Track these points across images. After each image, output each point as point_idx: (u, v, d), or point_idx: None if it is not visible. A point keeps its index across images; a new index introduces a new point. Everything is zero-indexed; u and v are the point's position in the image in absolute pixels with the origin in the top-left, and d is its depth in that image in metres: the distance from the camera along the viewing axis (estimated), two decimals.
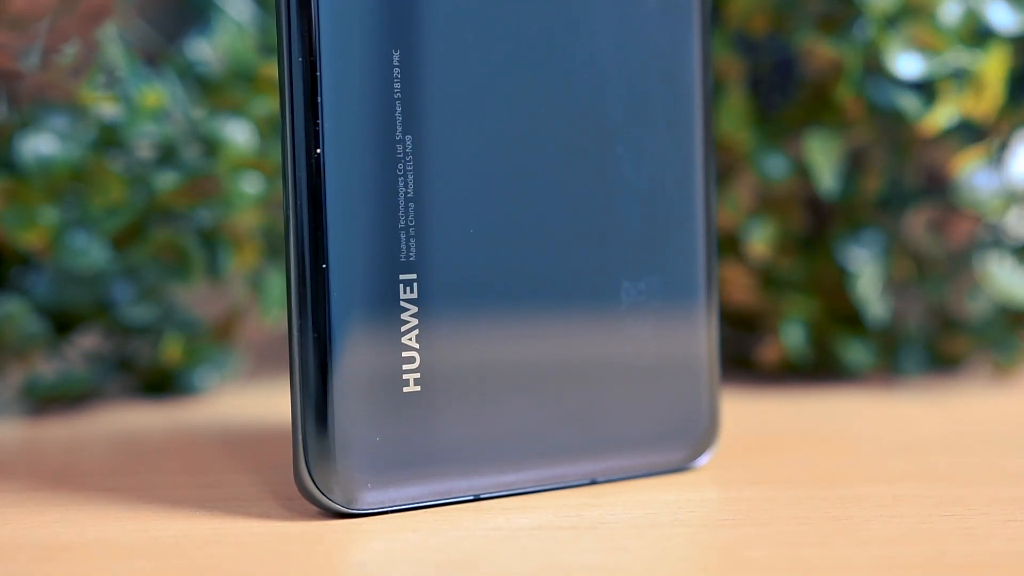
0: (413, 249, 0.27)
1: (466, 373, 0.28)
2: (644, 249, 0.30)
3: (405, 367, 0.27)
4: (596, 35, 0.29)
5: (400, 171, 0.27)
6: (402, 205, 0.27)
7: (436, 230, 0.28)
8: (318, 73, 0.26)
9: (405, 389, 0.27)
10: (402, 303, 0.27)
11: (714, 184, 0.31)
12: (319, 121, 0.26)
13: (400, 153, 0.27)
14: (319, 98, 0.26)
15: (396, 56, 0.27)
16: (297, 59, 0.26)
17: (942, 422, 0.37)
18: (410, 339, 0.28)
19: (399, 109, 0.27)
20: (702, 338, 0.31)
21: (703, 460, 0.31)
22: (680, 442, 0.31)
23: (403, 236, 0.27)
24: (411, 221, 0.27)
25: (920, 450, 0.33)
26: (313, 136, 0.26)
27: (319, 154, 0.26)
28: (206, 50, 0.40)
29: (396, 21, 0.27)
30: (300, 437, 0.27)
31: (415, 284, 0.28)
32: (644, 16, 0.30)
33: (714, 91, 0.39)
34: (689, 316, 0.31)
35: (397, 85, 0.27)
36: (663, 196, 0.30)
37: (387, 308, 0.27)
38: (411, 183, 0.27)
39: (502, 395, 0.29)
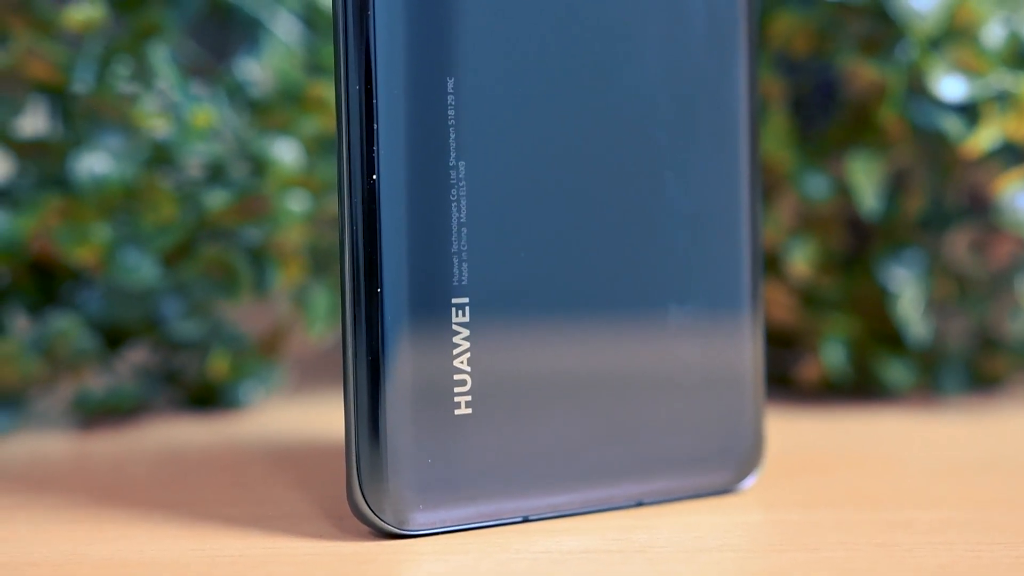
0: (465, 273, 0.28)
1: (515, 395, 0.29)
2: (691, 271, 0.30)
3: (456, 390, 0.28)
4: (644, 60, 0.30)
5: (453, 196, 0.28)
6: (455, 230, 0.28)
7: (488, 254, 0.28)
8: (374, 101, 0.27)
9: (456, 411, 0.28)
10: (454, 326, 0.28)
11: (760, 207, 0.31)
12: (375, 148, 0.27)
13: (453, 179, 0.28)
14: (375, 125, 0.27)
15: (451, 83, 0.28)
16: (354, 87, 0.27)
17: (984, 443, 0.37)
18: (461, 362, 0.28)
19: (453, 136, 0.28)
20: (747, 359, 0.31)
21: (748, 482, 0.31)
22: (725, 464, 0.31)
23: (456, 260, 0.28)
24: (464, 246, 0.28)
25: (964, 473, 0.33)
26: (369, 163, 0.27)
27: (375, 180, 0.27)
28: (255, 70, 0.41)
29: (451, 49, 0.28)
30: (353, 458, 0.27)
31: (467, 308, 0.28)
32: (691, 41, 0.30)
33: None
34: (734, 337, 0.31)
35: (451, 112, 0.28)
36: (709, 218, 0.31)
37: (439, 331, 0.28)
38: (464, 208, 0.28)
39: (550, 417, 0.29)
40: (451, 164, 0.28)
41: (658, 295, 0.30)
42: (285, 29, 0.41)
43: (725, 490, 0.31)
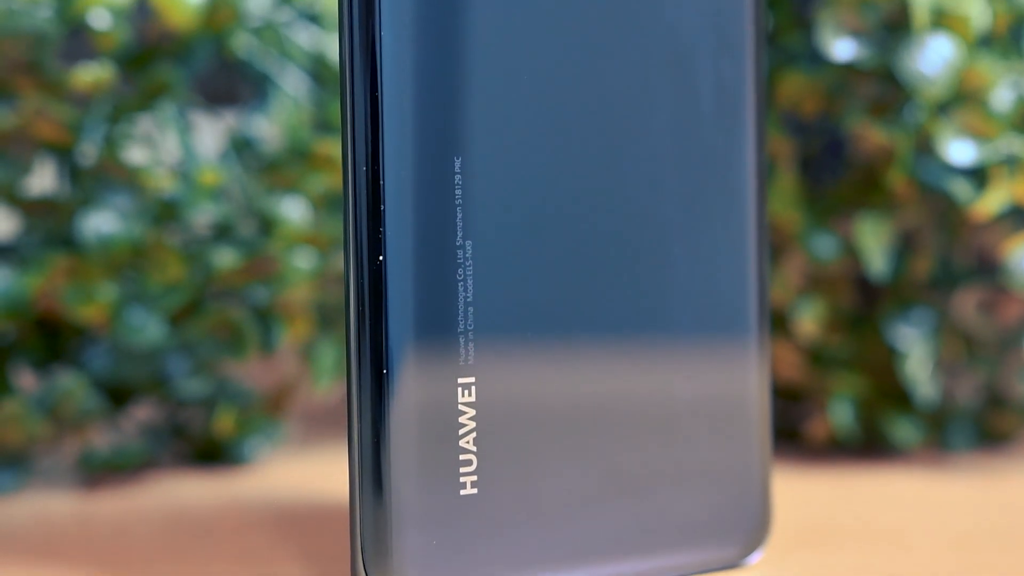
0: (472, 353, 0.28)
1: (522, 474, 0.28)
2: (697, 350, 0.30)
3: (462, 470, 0.28)
4: (653, 135, 0.30)
5: (460, 276, 0.28)
6: (461, 309, 0.28)
7: (495, 333, 0.28)
8: (381, 182, 0.27)
9: (462, 492, 0.28)
10: (460, 407, 0.28)
11: (767, 281, 0.31)
12: (382, 229, 0.27)
13: (460, 259, 0.28)
14: (382, 206, 0.27)
15: (458, 163, 0.28)
16: (361, 168, 0.27)
17: (994, 509, 0.36)
18: (467, 442, 0.28)
19: (460, 215, 0.28)
20: (754, 440, 0.31)
21: (755, 558, 0.31)
22: (732, 538, 0.31)
23: (462, 340, 0.28)
24: (470, 325, 0.28)
25: (975, 545, 0.33)
26: (376, 244, 0.27)
27: (381, 261, 0.27)
28: (263, 126, 0.41)
29: (458, 129, 0.28)
30: (358, 541, 0.27)
31: (473, 387, 0.28)
32: (699, 119, 0.30)
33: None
34: (741, 415, 0.31)
35: (458, 192, 0.28)
36: (717, 292, 0.31)
37: (445, 412, 0.28)
38: (470, 287, 0.28)
39: (558, 496, 0.29)
40: (458, 243, 0.28)
41: (665, 371, 0.30)
42: (294, 84, 0.41)
43: (731, 565, 0.31)
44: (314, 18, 0.42)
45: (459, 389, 0.28)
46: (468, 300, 0.28)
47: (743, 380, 0.31)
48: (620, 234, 0.29)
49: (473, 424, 0.28)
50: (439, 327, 0.27)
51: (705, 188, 0.30)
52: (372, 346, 0.27)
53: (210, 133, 0.41)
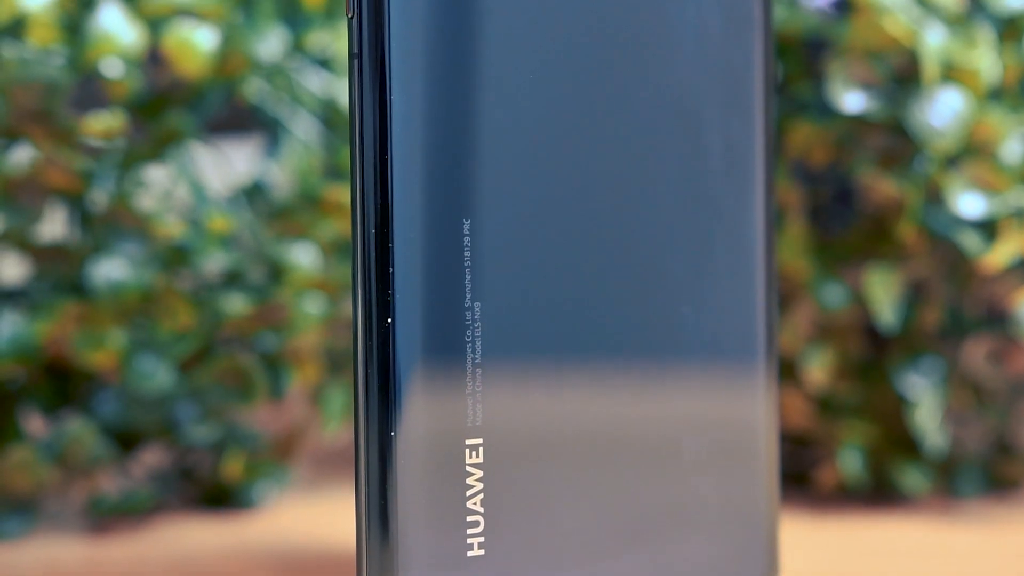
0: (480, 414, 0.28)
1: (529, 535, 0.28)
2: (705, 406, 0.30)
3: (470, 531, 0.28)
4: (660, 196, 0.30)
5: (468, 337, 0.28)
6: (469, 371, 0.28)
7: (503, 395, 0.28)
8: (391, 244, 0.27)
9: (469, 553, 0.28)
10: (468, 468, 0.28)
11: (776, 336, 0.31)
12: (391, 291, 0.27)
13: (468, 320, 0.28)
14: (391, 268, 0.27)
15: (467, 225, 0.28)
16: (370, 231, 0.27)
17: (1003, 557, 0.36)
18: (475, 503, 0.28)
19: (468, 277, 0.28)
20: (762, 487, 0.31)
21: None
22: None
23: (470, 401, 0.28)
24: (478, 387, 0.28)
25: None
26: (384, 305, 0.27)
27: (390, 323, 0.27)
28: (274, 171, 0.41)
29: (467, 191, 0.28)
30: None
31: (480, 449, 0.28)
32: (708, 175, 0.30)
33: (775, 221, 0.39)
34: (750, 457, 0.31)
35: (467, 253, 0.28)
36: (726, 347, 0.31)
37: (452, 474, 0.28)
38: (478, 349, 0.28)
39: (565, 550, 0.29)
40: (466, 305, 0.28)
41: (673, 427, 0.30)
42: (304, 129, 0.41)
43: None
44: (325, 63, 0.42)
45: (467, 450, 0.28)
46: (476, 362, 0.28)
47: (751, 422, 0.31)
48: (628, 295, 0.29)
49: (480, 486, 0.28)
50: (447, 388, 0.27)
51: (714, 241, 0.30)
52: (380, 408, 0.27)
53: (220, 177, 0.42)
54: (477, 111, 0.28)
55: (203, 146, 0.40)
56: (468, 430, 0.28)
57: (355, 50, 0.27)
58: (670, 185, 0.30)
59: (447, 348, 0.27)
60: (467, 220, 0.28)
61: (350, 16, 0.27)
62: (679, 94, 0.30)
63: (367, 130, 0.27)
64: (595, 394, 0.29)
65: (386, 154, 0.27)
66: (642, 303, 0.30)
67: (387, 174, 0.27)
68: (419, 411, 0.27)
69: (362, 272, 0.27)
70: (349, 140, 0.27)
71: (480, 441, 0.28)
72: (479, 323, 0.28)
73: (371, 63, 0.27)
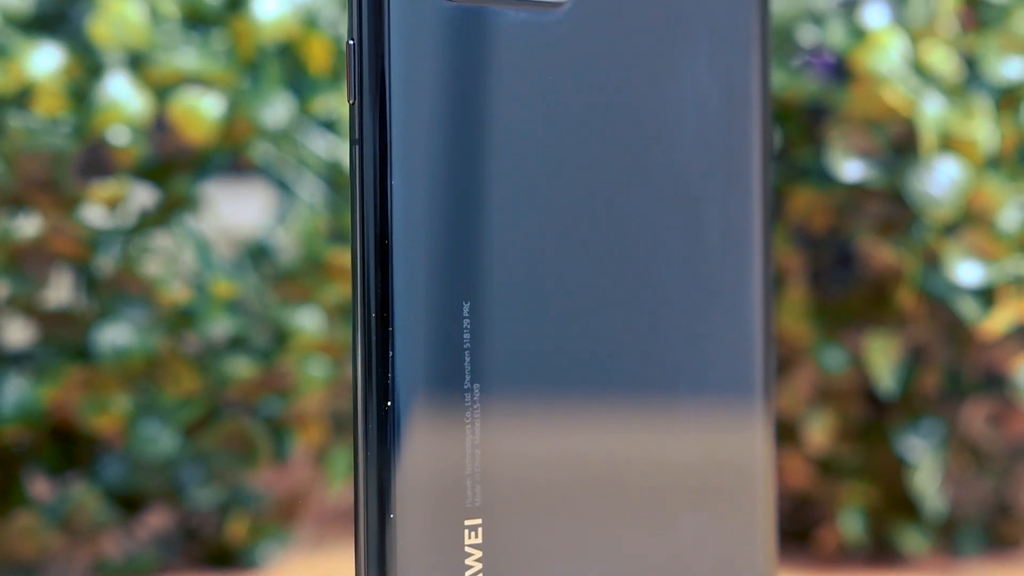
0: (479, 495, 0.28)
1: None
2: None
3: None
4: (659, 275, 0.30)
5: (468, 419, 0.28)
6: (469, 452, 0.28)
7: (502, 475, 0.28)
8: (391, 328, 0.27)
9: None
10: (467, 548, 0.28)
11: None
12: (390, 375, 0.27)
13: (468, 402, 0.28)
14: (391, 352, 0.27)
15: (466, 308, 0.28)
16: (371, 315, 0.27)
17: None
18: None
19: (468, 359, 0.28)
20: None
21: None
22: None
23: (469, 483, 0.28)
24: (477, 468, 0.28)
25: None
26: (383, 389, 0.27)
27: (389, 407, 0.27)
28: (279, 233, 0.41)
29: (468, 274, 0.28)
30: None
31: (480, 529, 0.28)
32: (706, 253, 0.31)
33: (775, 284, 0.39)
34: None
35: (467, 336, 0.28)
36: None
37: (452, 555, 0.28)
38: (478, 430, 0.28)
39: None
40: (466, 387, 0.28)
41: (672, 499, 0.30)
42: (309, 191, 0.42)
43: None
44: (330, 125, 0.42)
45: (466, 531, 0.28)
46: (476, 443, 0.28)
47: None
48: (626, 375, 0.30)
49: (480, 566, 0.28)
50: (447, 469, 0.28)
51: (711, 312, 0.31)
52: (379, 491, 0.27)
53: (226, 239, 0.42)
54: (479, 195, 0.28)
55: (209, 209, 0.41)
56: (467, 511, 0.28)
57: (356, 136, 0.27)
58: (668, 258, 0.30)
59: (446, 431, 0.28)
60: (467, 303, 0.28)
61: (351, 103, 0.27)
62: (678, 169, 0.30)
63: (368, 214, 0.27)
64: (597, 478, 0.29)
65: (387, 239, 0.27)
66: (640, 379, 0.30)
67: (387, 258, 0.27)
68: (419, 494, 0.27)
69: (363, 354, 0.27)
70: (350, 223, 0.27)
71: (479, 522, 0.28)
72: (478, 404, 0.28)
73: (373, 149, 0.27)
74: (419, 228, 0.27)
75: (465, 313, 0.28)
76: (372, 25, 0.27)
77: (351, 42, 0.27)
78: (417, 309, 0.27)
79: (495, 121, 0.28)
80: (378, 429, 0.27)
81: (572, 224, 0.29)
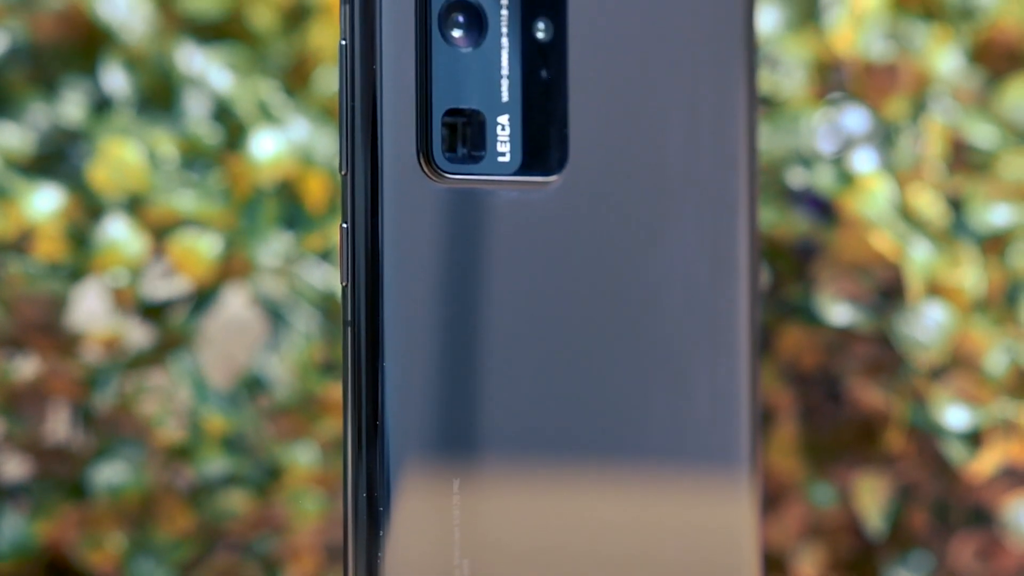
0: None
1: None
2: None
3: None
4: (646, 448, 0.30)
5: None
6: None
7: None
8: (381, 508, 0.28)
9: None
10: None
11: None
12: (380, 554, 0.28)
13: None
14: (380, 532, 0.28)
15: (456, 484, 0.28)
16: (361, 494, 0.28)
17: None
18: None
19: (457, 535, 0.28)
20: None
21: None
22: None
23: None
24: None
25: None
26: (371, 569, 0.28)
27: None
28: (275, 367, 0.42)
29: (458, 451, 0.28)
30: None
31: None
32: (695, 420, 0.31)
33: (763, 422, 0.40)
34: None
35: (456, 512, 0.28)
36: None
37: None
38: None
39: None
40: (456, 563, 0.28)
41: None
42: (304, 321, 0.42)
43: None
44: (326, 255, 0.43)
45: None
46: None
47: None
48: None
49: None
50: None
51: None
52: None
53: (223, 373, 0.42)
54: (469, 375, 0.28)
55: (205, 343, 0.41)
56: None
57: (348, 318, 0.28)
58: (655, 431, 0.31)
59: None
60: (456, 480, 0.28)
61: (344, 285, 0.28)
62: (664, 338, 0.31)
63: (363, 394, 0.28)
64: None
65: (378, 419, 0.28)
66: (628, 537, 0.30)
67: (376, 435, 0.28)
68: None
69: (353, 535, 0.28)
70: (341, 403, 0.28)
71: None
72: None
73: (366, 333, 0.27)
74: (412, 406, 0.28)
75: (455, 489, 0.28)
76: (366, 208, 0.28)
77: (344, 225, 0.28)
78: (407, 485, 0.28)
79: (486, 298, 0.29)
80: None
81: (562, 404, 0.29)
